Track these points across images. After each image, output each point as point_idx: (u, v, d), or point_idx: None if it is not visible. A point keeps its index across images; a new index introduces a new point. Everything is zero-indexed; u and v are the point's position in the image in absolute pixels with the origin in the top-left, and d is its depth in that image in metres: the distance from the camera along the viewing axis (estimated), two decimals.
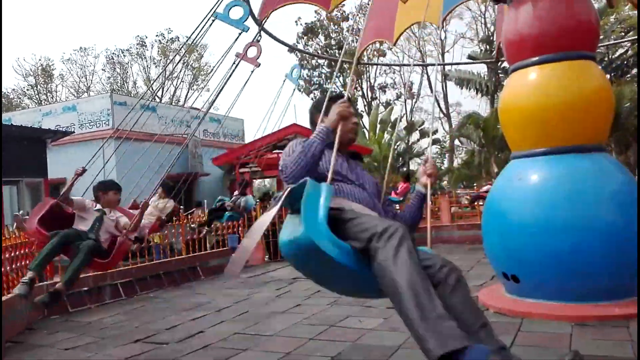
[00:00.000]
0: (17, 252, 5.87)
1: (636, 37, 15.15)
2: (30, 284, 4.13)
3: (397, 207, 14.15)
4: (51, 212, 4.68)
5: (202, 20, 5.19)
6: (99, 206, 5.10)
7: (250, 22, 4.59)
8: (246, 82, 4.69)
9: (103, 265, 4.78)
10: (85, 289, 6.63)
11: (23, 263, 5.95)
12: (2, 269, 5.36)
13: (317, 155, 2.25)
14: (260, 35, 4.77)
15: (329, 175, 2.19)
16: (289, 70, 5.56)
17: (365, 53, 31.02)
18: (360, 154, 2.89)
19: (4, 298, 5.10)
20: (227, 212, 9.01)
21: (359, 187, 2.43)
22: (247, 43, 4.29)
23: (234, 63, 4.37)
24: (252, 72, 4.59)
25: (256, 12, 5.99)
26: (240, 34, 4.42)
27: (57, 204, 4.72)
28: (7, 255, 5.69)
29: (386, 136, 24.39)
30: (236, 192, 10.32)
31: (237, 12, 4.16)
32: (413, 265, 1.82)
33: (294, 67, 5.06)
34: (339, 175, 2.40)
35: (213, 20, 4.35)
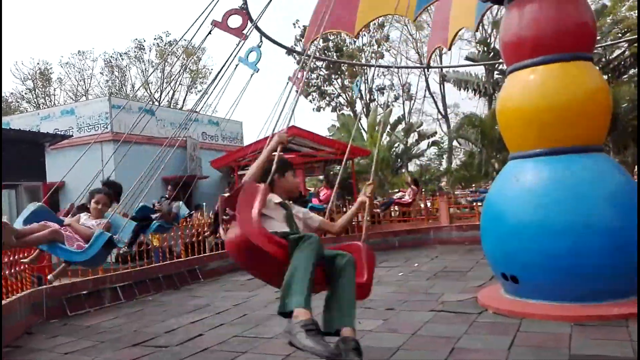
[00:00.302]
0: (16, 256, 5.86)
1: (633, 37, 15.20)
2: (319, 330, 2.55)
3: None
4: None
5: (197, 22, 5.19)
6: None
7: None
8: (245, 87, 4.69)
9: (361, 291, 3.20)
10: (85, 292, 6.62)
11: (22, 267, 5.95)
12: (2, 273, 5.35)
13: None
14: (261, 42, 4.79)
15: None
16: (354, 85, 5.47)
17: (363, 55, 31.15)
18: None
19: (3, 302, 5.09)
20: (154, 222, 6.51)
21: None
22: (228, 10, 4.35)
23: (235, 67, 4.42)
24: (252, 76, 4.61)
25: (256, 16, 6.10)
26: (240, 46, 4.54)
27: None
28: (5, 260, 5.68)
29: (385, 138, 24.42)
30: (166, 195, 7.87)
31: (252, 56, 4.67)
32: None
33: (251, 50, 4.59)
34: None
35: (237, 65, 4.73)
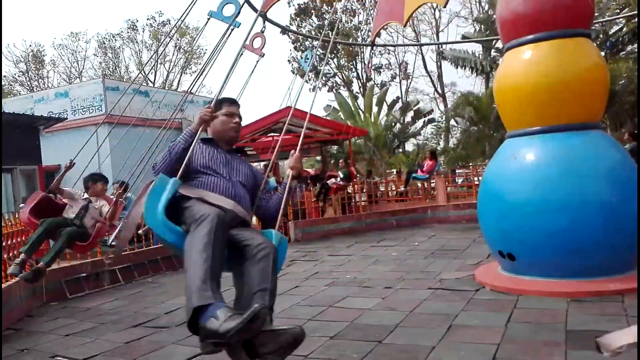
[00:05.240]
0: (15, 240, 5.86)
1: (631, 13, 15.07)
2: (21, 264, 4.74)
3: (419, 184, 13.93)
4: (42, 203, 5.19)
5: (189, 6, 5.10)
6: (86, 195, 5.47)
7: (245, 14, 4.50)
8: (252, 73, 4.55)
9: (82, 248, 5.16)
10: (84, 274, 6.65)
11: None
12: (2, 256, 5.36)
13: (179, 154, 2.69)
14: (264, 26, 4.63)
15: (181, 169, 2.64)
16: (303, 56, 5.04)
17: (359, 34, 30.85)
18: (243, 149, 3.32)
19: (3, 286, 5.11)
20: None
21: (224, 179, 2.77)
22: (253, 34, 4.12)
23: (239, 54, 4.19)
24: (255, 59, 4.46)
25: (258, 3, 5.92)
26: (232, 29, 4.31)
27: (46, 195, 5.27)
28: (4, 243, 5.68)
29: (381, 117, 24.37)
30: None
31: (229, 9, 4.14)
32: (203, 243, 2.24)
33: (226, 2, 4.31)
34: (208, 168, 2.78)
35: (208, 19, 4.33)
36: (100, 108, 15.73)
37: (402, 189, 13.10)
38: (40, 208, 5.14)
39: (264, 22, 4.95)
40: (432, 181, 13.42)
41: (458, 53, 21.81)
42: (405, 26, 8.44)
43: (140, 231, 3.14)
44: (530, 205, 4.80)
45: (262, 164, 14.87)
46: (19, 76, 36.36)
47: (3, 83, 35.44)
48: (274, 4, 6.72)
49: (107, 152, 8.22)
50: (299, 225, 10.41)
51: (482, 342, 3.53)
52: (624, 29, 18.34)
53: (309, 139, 16.18)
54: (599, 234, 4.56)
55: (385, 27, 9.60)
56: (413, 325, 4.07)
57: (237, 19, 4.29)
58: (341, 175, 12.23)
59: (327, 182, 12.18)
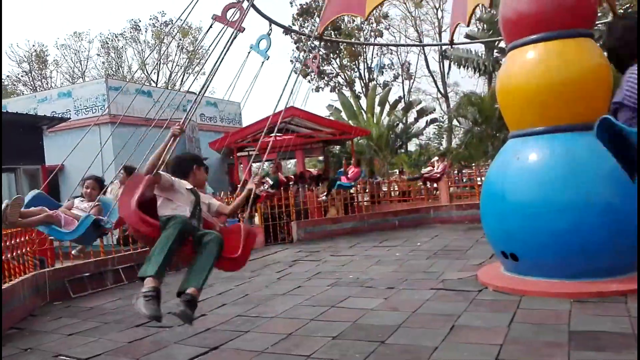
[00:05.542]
0: (18, 240, 5.87)
1: (637, 14, 15.00)
2: (156, 296, 2.99)
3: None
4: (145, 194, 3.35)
5: (190, 6, 5.10)
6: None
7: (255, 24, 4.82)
8: (256, 75, 4.72)
9: (234, 264, 3.42)
10: (87, 274, 6.66)
11: (24, 250, 5.96)
12: (3, 257, 5.37)
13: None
14: (270, 29, 4.87)
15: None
16: (255, 42, 5.10)
17: (362, 33, 30.82)
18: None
19: (5, 285, 5.12)
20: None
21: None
22: (227, 4, 4.37)
23: (248, 54, 4.50)
24: (262, 64, 4.68)
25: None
26: (237, 34, 4.50)
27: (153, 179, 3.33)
28: (7, 243, 5.69)
29: (384, 117, 24.33)
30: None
31: (263, 44, 4.73)
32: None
33: (261, 39, 4.65)
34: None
35: (249, 53, 4.71)
36: (103, 108, 15.76)
37: (324, 198, 12.00)
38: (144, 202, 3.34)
39: (270, 27, 5.07)
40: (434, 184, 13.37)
41: (461, 53, 21.78)
42: (366, 19, 8.29)
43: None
44: (533, 206, 4.79)
45: (265, 164, 14.81)
46: (22, 76, 36.44)
47: (6, 83, 35.54)
48: (327, 25, 6.55)
49: (110, 151, 8.22)
50: (301, 225, 10.42)
51: (484, 343, 3.53)
52: None
53: (312, 139, 16.17)
54: (602, 235, 4.55)
55: (383, 27, 9.51)
56: (416, 325, 4.06)
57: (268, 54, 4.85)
58: (270, 182, 11.23)
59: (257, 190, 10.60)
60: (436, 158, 13.90)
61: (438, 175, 12.55)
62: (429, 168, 13.55)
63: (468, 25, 8.43)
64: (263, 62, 4.50)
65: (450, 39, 9.36)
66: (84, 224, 4.05)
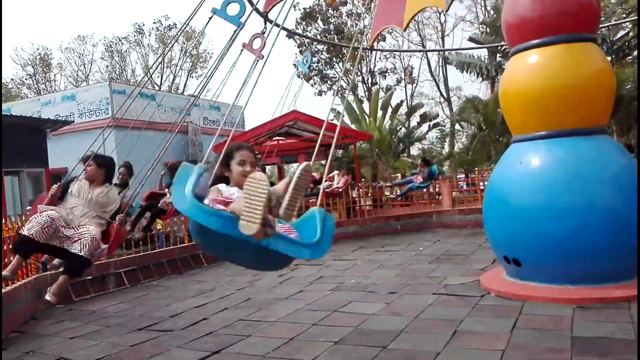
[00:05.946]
0: None
1: (637, 17, 14.99)
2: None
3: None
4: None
5: (196, 9, 5.09)
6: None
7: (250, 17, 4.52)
8: (250, 74, 4.58)
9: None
10: (89, 277, 6.66)
11: None
12: (4, 260, 5.38)
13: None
14: (265, 27, 4.64)
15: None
16: (301, 59, 5.49)
17: (364, 38, 30.80)
18: None
19: (8, 288, 5.12)
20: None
21: None
22: (253, 34, 4.11)
23: (240, 53, 4.23)
24: (261, 64, 4.47)
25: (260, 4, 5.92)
26: (236, 30, 4.31)
27: None
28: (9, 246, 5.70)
29: (386, 121, 24.32)
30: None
31: (234, 9, 4.09)
32: None
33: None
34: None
35: (211, 17, 4.28)
36: (106, 111, 15.82)
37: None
38: None
39: (265, 23, 4.98)
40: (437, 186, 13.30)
41: (463, 57, 21.78)
42: (405, 30, 8.45)
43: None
44: (536, 211, 4.78)
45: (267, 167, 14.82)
46: (26, 79, 36.60)
47: (11, 86, 35.70)
48: (275, 4, 6.70)
49: (115, 155, 8.23)
50: None
51: (487, 348, 3.51)
52: (630, 34, 18.26)
53: (313, 144, 16.18)
54: (605, 240, 4.53)
55: (386, 30, 9.65)
56: (418, 330, 4.05)
57: (241, 20, 4.23)
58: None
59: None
60: (336, 172, 12.43)
61: (340, 190, 11.71)
62: (328, 183, 11.76)
63: (405, 30, 8.41)
64: (257, 61, 3.99)
65: (371, 44, 9.22)
66: None
